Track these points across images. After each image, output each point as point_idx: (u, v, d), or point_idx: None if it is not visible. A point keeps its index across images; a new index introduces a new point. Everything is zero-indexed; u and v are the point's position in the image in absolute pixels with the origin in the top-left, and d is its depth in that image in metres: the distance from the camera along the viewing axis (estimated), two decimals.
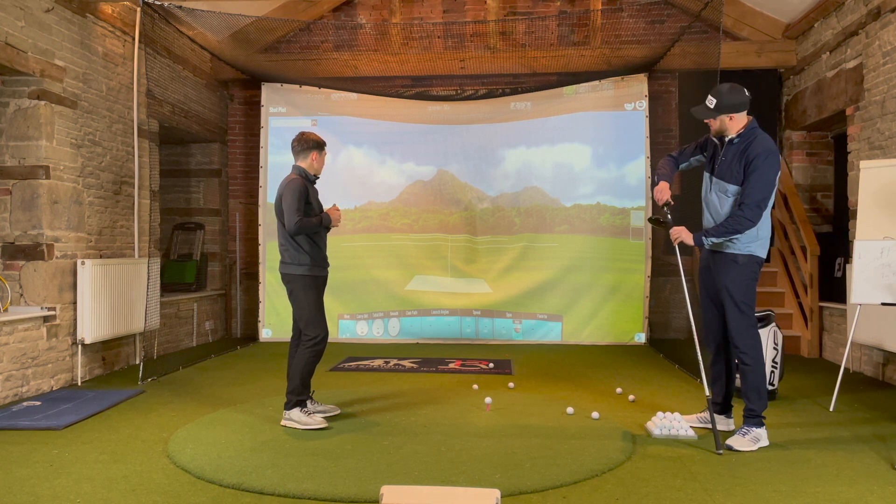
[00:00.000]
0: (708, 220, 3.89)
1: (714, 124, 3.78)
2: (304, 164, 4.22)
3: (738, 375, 4.00)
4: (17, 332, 4.82)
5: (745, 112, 3.74)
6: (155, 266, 6.23)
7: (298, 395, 4.09)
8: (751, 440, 3.67)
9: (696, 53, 6.98)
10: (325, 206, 4.37)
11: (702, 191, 3.96)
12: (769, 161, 3.61)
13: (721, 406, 4.01)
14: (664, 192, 3.95)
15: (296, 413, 4.05)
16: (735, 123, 3.74)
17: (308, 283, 4.11)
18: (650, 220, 4.08)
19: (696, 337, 4.05)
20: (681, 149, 4.19)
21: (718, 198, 3.80)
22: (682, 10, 7.72)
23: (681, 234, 3.86)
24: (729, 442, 3.67)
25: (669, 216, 3.99)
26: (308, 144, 4.21)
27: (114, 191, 5.96)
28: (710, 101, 3.73)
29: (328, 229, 4.24)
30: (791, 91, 7.48)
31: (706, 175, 3.91)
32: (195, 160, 8.15)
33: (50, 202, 5.13)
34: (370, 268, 7.79)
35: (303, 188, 4.08)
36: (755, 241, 3.74)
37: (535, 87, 7.76)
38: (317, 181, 4.31)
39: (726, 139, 3.78)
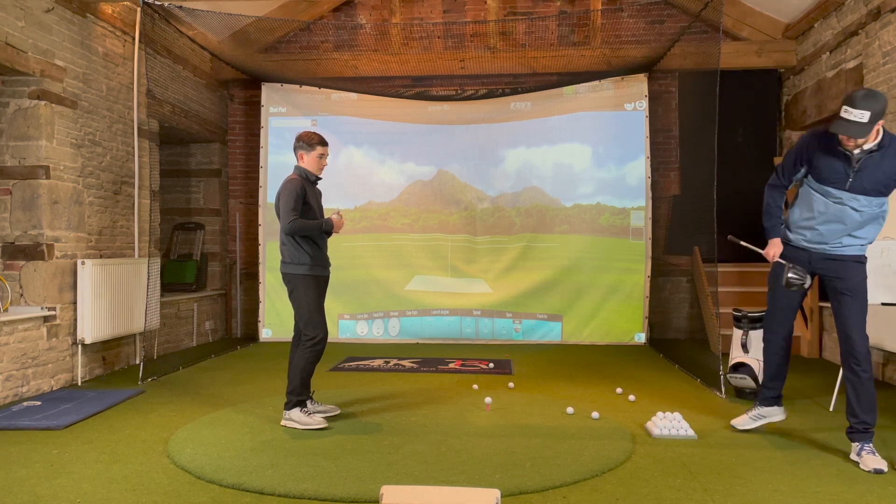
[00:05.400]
0: (836, 230, 3.50)
1: (860, 142, 3.29)
2: (302, 163, 4.22)
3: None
4: (18, 332, 4.82)
5: None
6: (155, 266, 6.23)
7: (298, 396, 4.09)
8: (879, 457, 3.38)
9: (696, 53, 6.98)
10: (327, 207, 4.37)
11: (821, 206, 3.52)
12: None
13: (777, 399, 3.92)
14: (777, 251, 3.66)
15: (296, 413, 4.05)
16: (877, 130, 3.31)
17: (309, 283, 4.11)
18: (787, 285, 3.62)
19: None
20: (780, 169, 3.70)
21: (859, 212, 3.42)
22: (682, 11, 7.72)
23: None
24: (878, 466, 3.30)
25: (795, 276, 3.57)
26: (300, 144, 4.21)
27: (114, 191, 5.96)
28: (861, 115, 3.18)
29: (329, 234, 4.23)
30: (791, 91, 7.48)
31: (830, 190, 3.45)
32: (195, 160, 8.15)
33: (50, 202, 5.13)
34: (370, 268, 7.80)
35: (300, 188, 4.07)
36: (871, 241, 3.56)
37: (535, 87, 7.77)
38: (318, 182, 4.30)
39: (857, 151, 3.34)
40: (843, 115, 3.25)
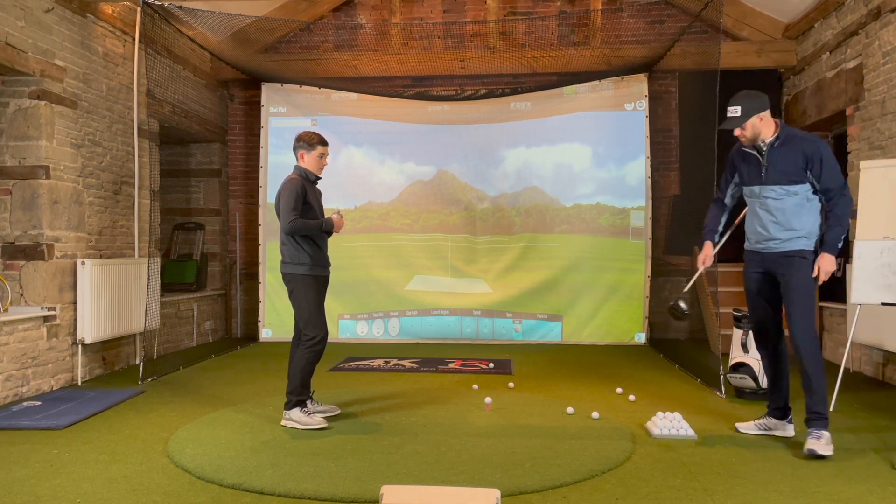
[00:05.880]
0: (771, 226, 3.73)
1: (746, 133, 3.70)
2: (302, 163, 4.22)
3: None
4: (18, 332, 4.82)
5: (769, 112, 3.70)
6: (155, 266, 6.23)
7: (298, 396, 4.09)
8: (826, 442, 3.52)
9: (696, 53, 6.98)
10: (327, 207, 4.36)
11: (752, 206, 3.83)
12: (825, 147, 3.64)
13: (783, 411, 3.91)
14: (706, 257, 4.03)
15: (296, 413, 4.05)
16: (766, 125, 3.69)
17: (308, 283, 4.11)
18: (669, 309, 4.07)
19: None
20: (720, 184, 4.04)
21: (778, 200, 3.68)
22: (682, 10, 7.72)
23: (826, 267, 3.61)
24: (810, 447, 3.49)
25: (683, 304, 4.04)
26: (301, 144, 4.21)
27: (114, 191, 5.96)
28: (734, 111, 3.69)
29: (329, 234, 4.23)
30: (791, 91, 7.48)
31: (752, 188, 3.78)
32: (195, 160, 8.15)
33: (50, 202, 5.13)
34: (370, 268, 7.80)
35: (300, 188, 4.07)
36: (818, 235, 3.70)
37: (535, 87, 7.76)
38: (318, 181, 4.30)
39: (764, 146, 3.70)
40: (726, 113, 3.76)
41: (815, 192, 3.67)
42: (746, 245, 3.94)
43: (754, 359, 4.71)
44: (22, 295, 5.08)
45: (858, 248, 4.58)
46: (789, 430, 3.90)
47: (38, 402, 4.64)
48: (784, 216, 3.68)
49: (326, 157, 4.26)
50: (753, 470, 3.32)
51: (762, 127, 3.69)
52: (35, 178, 5.08)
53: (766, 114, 3.69)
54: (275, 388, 5.11)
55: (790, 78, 7.48)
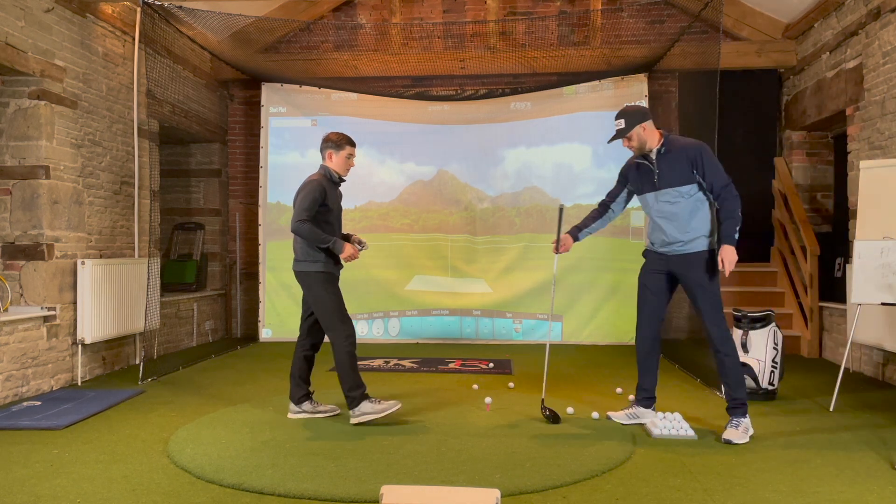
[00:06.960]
0: (669, 229, 3.94)
1: (633, 143, 3.93)
2: (330, 163, 4.23)
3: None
4: (18, 332, 4.82)
5: (652, 122, 3.93)
6: (155, 266, 6.23)
7: (359, 389, 4.06)
8: (743, 431, 3.77)
9: (696, 53, 6.97)
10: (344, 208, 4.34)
11: (651, 212, 4.04)
12: (707, 149, 3.88)
13: (651, 400, 4.14)
14: (563, 244, 4.24)
15: (366, 405, 4.04)
16: (650, 134, 3.91)
17: (327, 280, 4.11)
18: (546, 414, 4.22)
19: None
20: (608, 194, 4.34)
21: (673, 204, 3.90)
22: (682, 11, 7.72)
23: (728, 257, 3.77)
24: (727, 437, 3.74)
25: (546, 411, 4.19)
26: (329, 144, 4.22)
27: (114, 191, 5.96)
28: (619, 123, 3.91)
29: (329, 251, 4.15)
30: (791, 91, 7.48)
31: (648, 196, 4.01)
32: (195, 160, 8.14)
33: (50, 202, 5.13)
34: (370, 268, 7.79)
35: (320, 192, 4.06)
36: (713, 234, 3.91)
37: (535, 87, 7.76)
38: (342, 182, 4.30)
39: (653, 155, 3.93)
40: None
41: (704, 193, 3.88)
42: (649, 247, 4.12)
43: (754, 359, 4.72)
44: (22, 295, 5.08)
45: (858, 248, 4.58)
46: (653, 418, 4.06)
47: (38, 402, 4.64)
48: (681, 218, 3.88)
49: (354, 157, 4.27)
50: (753, 470, 3.32)
51: (647, 137, 3.90)
52: (35, 178, 5.08)
53: (649, 124, 3.91)
54: (275, 389, 5.11)
55: (790, 78, 7.48)
